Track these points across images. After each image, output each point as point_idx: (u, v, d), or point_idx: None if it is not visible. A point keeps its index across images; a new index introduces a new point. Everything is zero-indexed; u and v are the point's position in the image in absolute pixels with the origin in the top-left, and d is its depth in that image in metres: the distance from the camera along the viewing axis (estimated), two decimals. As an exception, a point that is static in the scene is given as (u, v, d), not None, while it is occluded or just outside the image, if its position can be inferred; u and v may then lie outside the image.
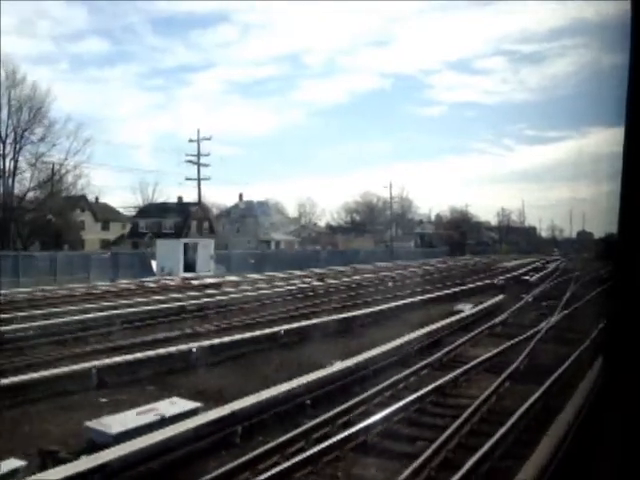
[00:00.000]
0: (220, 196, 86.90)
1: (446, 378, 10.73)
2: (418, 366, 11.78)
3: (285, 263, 49.10)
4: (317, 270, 40.58)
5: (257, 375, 11.36)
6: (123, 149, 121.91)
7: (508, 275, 37.38)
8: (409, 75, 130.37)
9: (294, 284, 30.33)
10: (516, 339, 15.08)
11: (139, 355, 11.80)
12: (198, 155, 45.87)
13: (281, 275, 38.22)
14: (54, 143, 51.48)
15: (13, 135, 50.43)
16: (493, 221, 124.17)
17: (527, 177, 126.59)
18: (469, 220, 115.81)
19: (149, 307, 19.57)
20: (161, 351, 12.27)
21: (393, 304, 20.90)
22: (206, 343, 13.11)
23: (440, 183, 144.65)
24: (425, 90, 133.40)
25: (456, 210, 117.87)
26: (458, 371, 11.37)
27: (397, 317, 18.78)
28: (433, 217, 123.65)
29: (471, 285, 30.14)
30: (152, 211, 74.45)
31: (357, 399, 9.17)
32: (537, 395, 9.67)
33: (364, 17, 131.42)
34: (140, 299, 22.42)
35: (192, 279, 34.07)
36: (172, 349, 12.47)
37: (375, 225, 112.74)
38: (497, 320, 18.01)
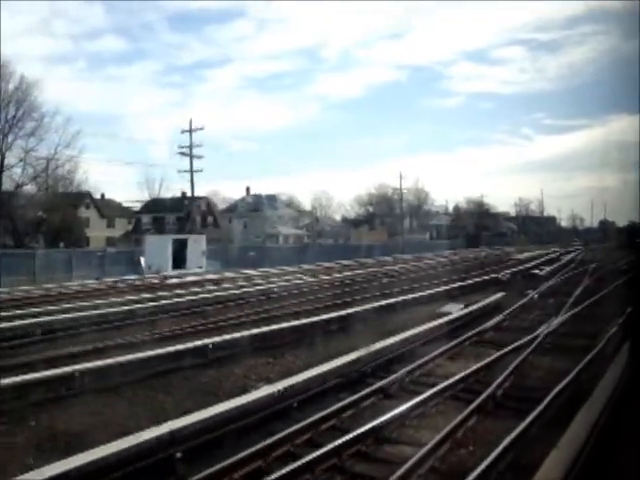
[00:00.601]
0: (235, 191, 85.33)
1: (394, 412, 8.04)
2: (365, 392, 9.10)
3: (287, 258, 46.98)
4: (306, 266, 38.11)
5: (153, 407, 8.81)
6: (141, 145, 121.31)
7: (517, 268, 34.39)
8: (425, 66, 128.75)
9: (276, 281, 27.80)
10: (506, 349, 12.32)
11: (13, 380, 9.30)
12: (190, 147, 43.45)
13: (275, 271, 35.96)
14: (42, 137, 49.60)
15: (2, 129, 48.68)
16: (513, 212, 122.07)
17: (547, 167, 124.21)
18: (486, 211, 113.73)
19: (94, 312, 17.22)
20: (48, 373, 9.78)
21: (376, 304, 18.27)
22: (113, 360, 10.59)
23: (458, 175, 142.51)
24: (442, 81, 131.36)
25: (472, 201, 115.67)
26: (415, 400, 8.67)
27: (372, 321, 16.08)
28: (451, 209, 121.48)
29: (476, 279, 27.31)
30: (155, 207, 72.53)
31: (253, 449, 6.57)
32: (510, 439, 6.97)
33: (379, 9, 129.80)
34: (98, 301, 20.15)
35: (175, 277, 31.77)
36: (64, 369, 9.97)
37: (390, 217, 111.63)
38: (489, 324, 15.21)
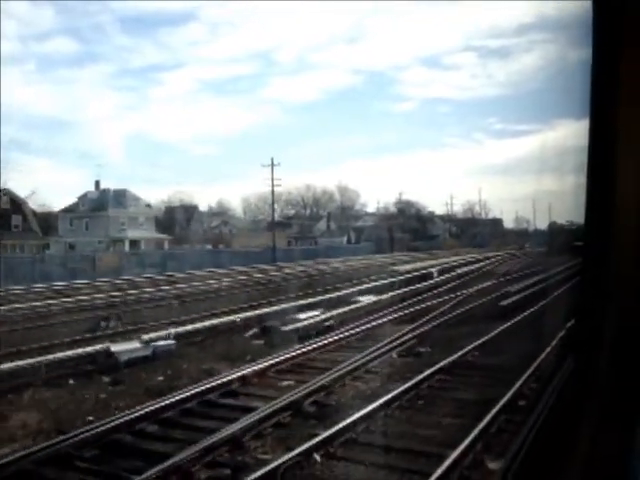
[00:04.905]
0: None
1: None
2: None
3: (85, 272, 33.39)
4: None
5: None
6: (95, 150, 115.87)
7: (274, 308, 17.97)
8: (380, 71, 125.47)
9: None
10: None
11: None
12: None
13: None
14: None
15: None
16: (460, 214, 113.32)
17: (497, 170, 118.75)
18: (416, 212, 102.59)
19: None
20: None
21: None
22: None
23: (410, 178, 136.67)
24: (396, 86, 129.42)
25: (401, 202, 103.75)
26: None
27: None
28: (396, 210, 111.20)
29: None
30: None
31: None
32: None
33: (334, 13, 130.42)
34: None
35: None
36: None
37: (304, 220, 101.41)
38: None
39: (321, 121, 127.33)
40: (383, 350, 11.36)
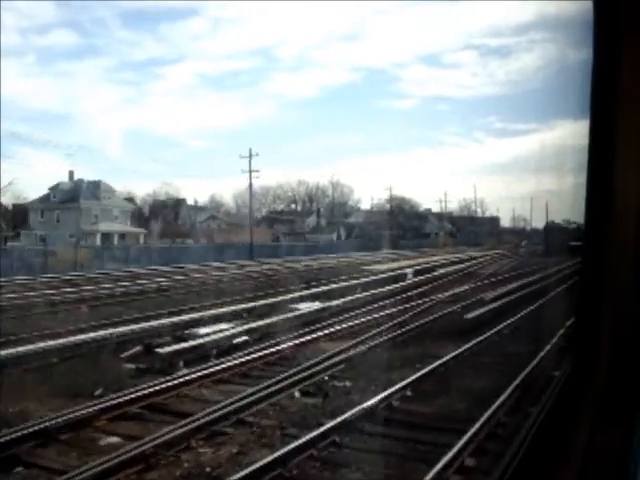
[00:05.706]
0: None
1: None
2: None
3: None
4: None
5: None
6: (94, 144, 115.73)
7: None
8: (380, 69, 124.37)
9: None
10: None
11: None
12: None
13: None
14: None
15: None
16: (457, 212, 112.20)
17: (496, 169, 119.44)
18: (412, 208, 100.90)
19: None
20: None
21: None
22: None
23: (408, 175, 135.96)
24: (396, 83, 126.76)
25: (394, 198, 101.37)
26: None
27: None
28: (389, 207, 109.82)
29: None
30: None
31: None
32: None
33: (335, 11, 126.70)
34: None
35: None
36: None
37: (293, 215, 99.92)
38: None
39: (320, 118, 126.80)
40: (287, 383, 8.34)
